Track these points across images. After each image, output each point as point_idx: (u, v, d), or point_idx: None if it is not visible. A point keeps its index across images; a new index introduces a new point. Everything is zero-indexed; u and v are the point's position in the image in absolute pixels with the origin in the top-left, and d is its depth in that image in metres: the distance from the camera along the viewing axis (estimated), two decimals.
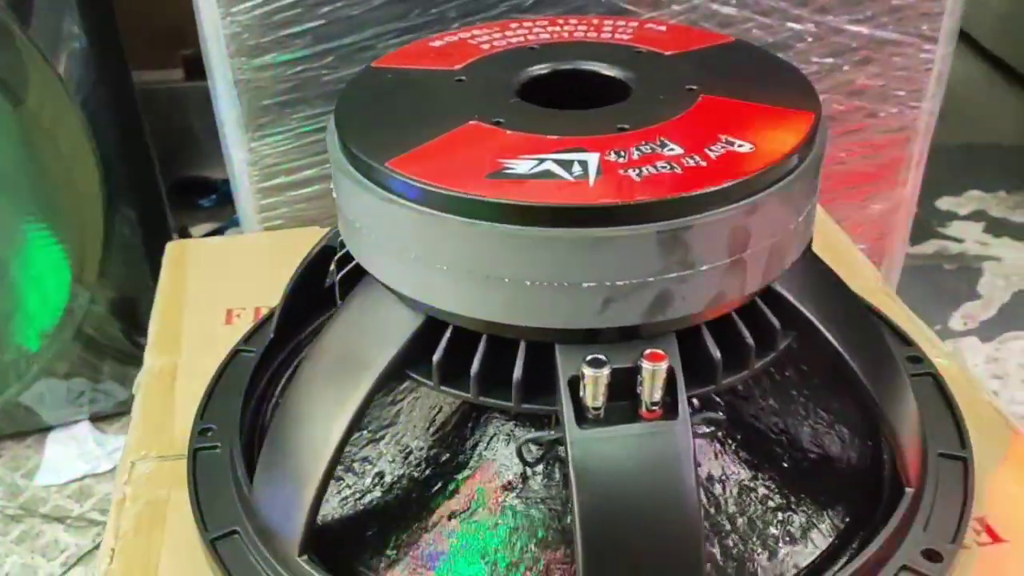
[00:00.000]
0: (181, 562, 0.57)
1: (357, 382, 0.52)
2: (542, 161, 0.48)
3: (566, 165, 0.48)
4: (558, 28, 0.64)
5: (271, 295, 0.79)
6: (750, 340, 0.51)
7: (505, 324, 0.49)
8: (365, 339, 0.53)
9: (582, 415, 0.48)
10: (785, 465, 0.58)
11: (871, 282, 0.80)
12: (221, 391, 0.69)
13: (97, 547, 0.97)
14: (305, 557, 0.53)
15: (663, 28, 0.64)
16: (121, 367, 1.13)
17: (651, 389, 0.47)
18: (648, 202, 0.45)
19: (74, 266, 1.07)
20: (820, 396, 0.62)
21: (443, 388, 0.52)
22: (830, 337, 0.54)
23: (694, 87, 0.55)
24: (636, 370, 0.48)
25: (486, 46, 0.62)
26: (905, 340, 0.71)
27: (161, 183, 1.23)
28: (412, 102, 0.55)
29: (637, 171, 0.47)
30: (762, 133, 0.51)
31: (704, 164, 0.48)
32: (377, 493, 0.58)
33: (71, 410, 1.11)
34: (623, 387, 0.48)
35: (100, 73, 1.10)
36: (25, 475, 1.06)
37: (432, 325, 0.51)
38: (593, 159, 0.48)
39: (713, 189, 0.46)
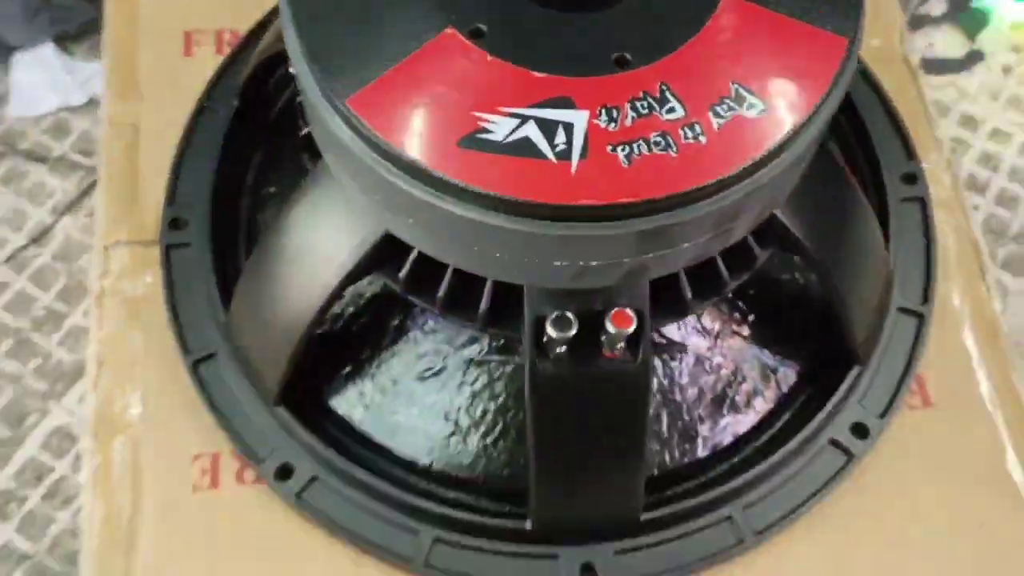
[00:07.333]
0: (162, 371, 0.60)
1: (318, 282, 0.51)
2: (523, 122, 0.42)
3: (549, 131, 0.42)
4: None
5: (231, 11, 0.72)
6: (726, 276, 0.50)
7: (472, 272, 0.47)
8: (328, 237, 0.51)
9: (544, 352, 0.48)
10: (746, 333, 0.60)
11: (893, 44, 0.72)
12: (188, 166, 0.66)
13: (84, 194, 0.99)
14: (282, 408, 0.57)
15: None
16: None
17: (615, 340, 0.48)
18: (631, 203, 0.41)
19: None
20: (794, 277, 0.61)
21: (410, 297, 0.51)
22: (809, 249, 0.52)
23: None
24: (604, 313, 0.47)
25: None
26: (909, 152, 0.67)
27: None
28: None
29: (626, 150, 0.42)
30: (779, 77, 0.44)
31: (703, 141, 0.42)
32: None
33: (33, 29, 1.04)
34: (590, 324, 0.48)
35: None
36: None
37: (395, 240, 0.49)
38: (580, 124, 0.42)
39: (707, 184, 0.42)
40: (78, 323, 0.94)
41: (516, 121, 0.42)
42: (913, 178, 0.67)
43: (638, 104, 0.43)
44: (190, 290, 0.62)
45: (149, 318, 0.62)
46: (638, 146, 0.42)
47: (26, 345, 0.93)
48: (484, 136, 0.42)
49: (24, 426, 0.90)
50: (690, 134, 0.42)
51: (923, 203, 0.66)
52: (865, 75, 0.69)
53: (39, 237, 0.97)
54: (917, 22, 1.08)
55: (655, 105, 0.43)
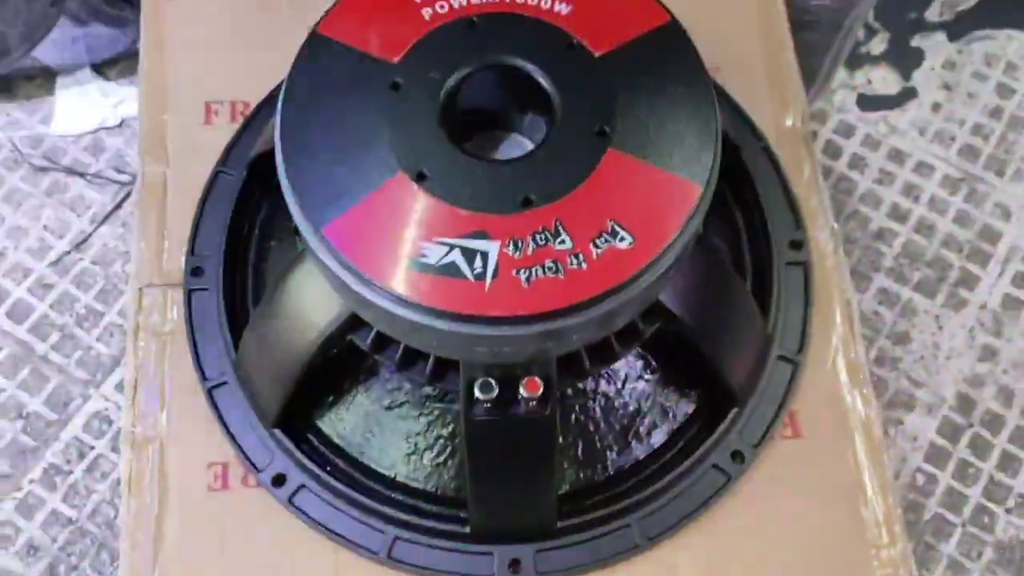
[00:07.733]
0: (184, 394, 0.76)
1: (305, 339, 0.67)
2: (451, 249, 0.57)
3: (470, 257, 0.57)
4: None
5: (244, 85, 0.86)
6: (618, 349, 0.65)
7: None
8: (312, 307, 0.66)
9: (474, 406, 0.63)
10: (646, 379, 0.74)
11: (797, 124, 0.85)
12: (206, 222, 0.81)
13: (117, 207, 1.14)
14: (278, 430, 0.72)
15: None
16: (112, 7, 1.17)
17: (528, 400, 0.62)
18: (529, 315, 0.56)
19: None
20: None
21: (375, 356, 0.66)
22: (688, 324, 0.67)
23: (606, 129, 0.59)
24: (520, 379, 0.62)
25: (427, 13, 0.63)
26: (798, 222, 0.81)
27: None
28: (349, 127, 0.60)
29: (527, 274, 0.56)
30: (645, 216, 0.58)
31: (585, 267, 0.57)
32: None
33: (73, 54, 1.17)
34: (511, 384, 0.63)
35: None
36: (42, 121, 1.18)
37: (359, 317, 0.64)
38: (493, 252, 0.57)
39: (586, 299, 0.56)
40: (114, 320, 1.10)
41: (446, 248, 0.57)
42: (799, 245, 0.80)
43: (538, 237, 0.57)
44: (207, 328, 0.77)
45: (174, 349, 0.77)
46: (536, 270, 0.57)
47: (70, 339, 1.09)
48: (422, 260, 0.57)
49: (68, 410, 1.06)
50: (575, 261, 0.57)
51: (805, 267, 0.80)
52: (768, 152, 0.82)
53: (80, 244, 1.12)
54: (857, 61, 1.20)
55: (550, 238, 0.57)
